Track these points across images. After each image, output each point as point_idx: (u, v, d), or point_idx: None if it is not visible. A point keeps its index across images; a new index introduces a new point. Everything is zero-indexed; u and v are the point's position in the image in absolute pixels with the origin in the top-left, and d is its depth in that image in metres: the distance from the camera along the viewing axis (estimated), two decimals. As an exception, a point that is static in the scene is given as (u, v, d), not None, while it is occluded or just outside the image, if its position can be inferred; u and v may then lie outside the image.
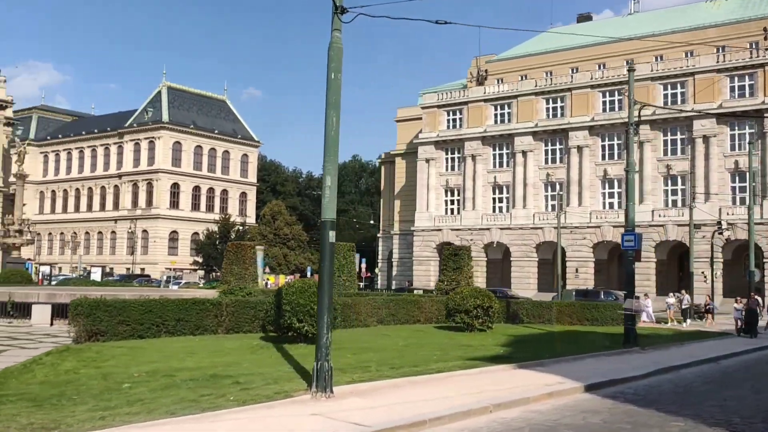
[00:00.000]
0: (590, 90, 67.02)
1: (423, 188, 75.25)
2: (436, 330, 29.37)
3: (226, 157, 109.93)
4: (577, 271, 65.10)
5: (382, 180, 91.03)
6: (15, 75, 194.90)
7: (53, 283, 58.81)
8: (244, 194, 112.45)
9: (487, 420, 12.20)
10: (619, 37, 67.66)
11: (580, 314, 35.02)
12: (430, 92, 79.47)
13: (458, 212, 73.43)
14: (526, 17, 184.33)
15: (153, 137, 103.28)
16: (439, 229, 73.32)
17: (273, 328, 21.97)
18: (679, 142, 62.56)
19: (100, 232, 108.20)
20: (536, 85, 70.29)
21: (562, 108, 68.62)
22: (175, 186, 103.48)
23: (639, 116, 27.33)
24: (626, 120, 27.21)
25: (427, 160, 75.15)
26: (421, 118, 77.56)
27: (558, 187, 66.33)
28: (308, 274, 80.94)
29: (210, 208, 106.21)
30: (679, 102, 62.27)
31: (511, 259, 69.52)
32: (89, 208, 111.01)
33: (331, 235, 13.38)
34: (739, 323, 33.18)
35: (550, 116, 69.23)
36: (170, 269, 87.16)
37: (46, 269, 63.97)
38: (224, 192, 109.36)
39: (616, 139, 64.66)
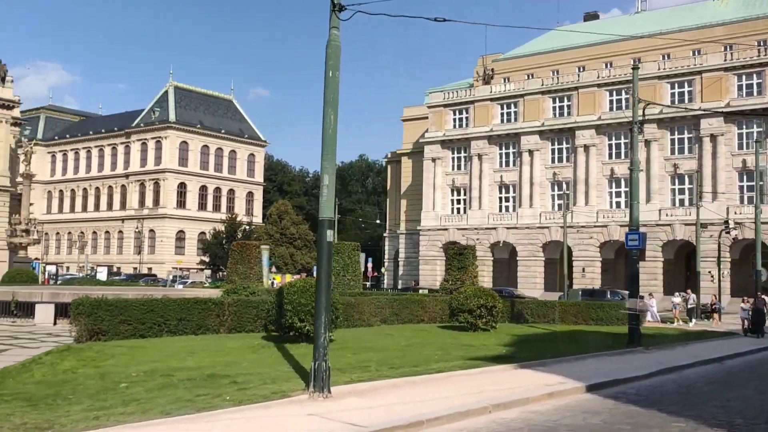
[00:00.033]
0: (597, 89, 66.79)
1: (429, 187, 75.14)
2: (439, 330, 29.25)
3: (232, 157, 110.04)
4: (583, 270, 64.88)
5: (388, 179, 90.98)
6: (24, 75, 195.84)
7: (59, 282, 58.96)
8: (250, 194, 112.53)
9: (486, 420, 12.10)
10: (626, 36, 67.29)
11: (585, 314, 34.83)
12: (436, 91, 79.33)
13: (464, 212, 73.32)
14: (533, 16, 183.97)
15: (160, 137, 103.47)
16: (446, 229, 73.20)
17: (274, 327, 21.90)
18: (686, 141, 62.29)
19: (107, 232, 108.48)
20: (543, 84, 70.09)
21: (568, 107, 68.41)
22: (182, 186, 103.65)
23: (643, 115, 27.10)
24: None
25: (434, 160, 75.04)
26: (427, 118, 77.49)
27: (564, 186, 66.15)
28: (314, 273, 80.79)
29: (217, 207, 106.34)
30: (686, 101, 61.95)
31: (518, 258, 69.33)
32: (96, 207, 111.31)
33: (329, 234, 13.30)
34: (746, 323, 32.95)
35: (557, 115, 69.03)
36: (177, 269, 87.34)
37: (52, 269, 64.16)
38: (231, 191, 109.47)
39: (623, 138, 64.37)
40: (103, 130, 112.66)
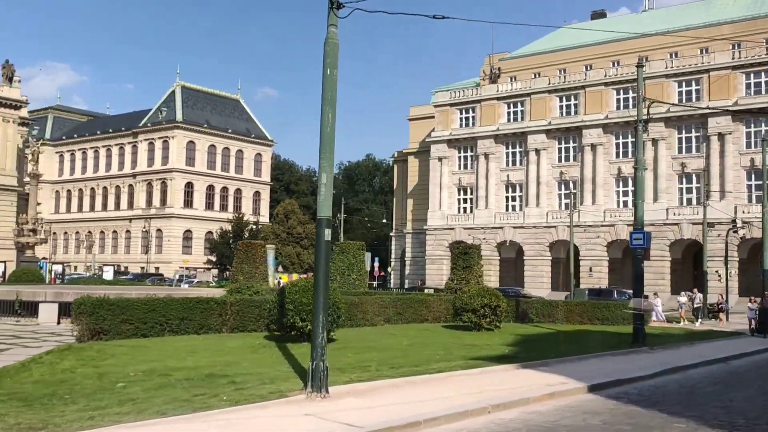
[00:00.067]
0: (604, 87, 66.51)
1: (436, 187, 75.00)
2: (443, 329, 29.13)
3: (239, 157, 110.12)
4: (590, 270, 64.61)
5: (395, 179, 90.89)
6: (33, 76, 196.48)
7: (65, 282, 59.07)
8: (257, 193, 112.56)
9: (485, 421, 12.00)
10: (633, 34, 67.00)
11: (590, 313, 34.65)
12: (442, 90, 79.18)
13: (471, 211, 73.16)
14: (540, 16, 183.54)
15: (167, 137, 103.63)
16: (452, 228, 73.04)
17: (276, 327, 21.83)
18: (693, 139, 61.95)
19: (114, 231, 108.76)
20: (549, 83, 69.84)
21: (575, 106, 68.17)
22: (189, 185, 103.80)
23: (648, 113, 26.94)
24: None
25: (440, 159, 74.89)
26: (433, 117, 77.30)
27: (571, 185, 65.89)
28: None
29: (224, 207, 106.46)
30: (693, 99, 61.60)
31: (524, 258, 69.11)
32: (104, 207, 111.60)
33: (327, 233, 13.21)
34: (753, 323, 32.72)
35: (564, 114, 68.78)
36: (184, 268, 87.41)
37: (58, 268, 64.26)
38: (238, 191, 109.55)
39: (630, 137, 64.01)
40: (110, 130, 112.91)
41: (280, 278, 64.76)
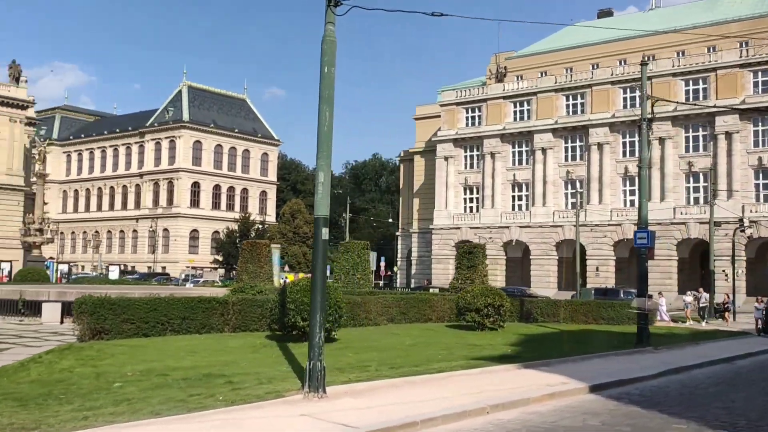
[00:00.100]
0: (611, 86, 66.25)
1: (442, 186, 74.85)
2: (446, 329, 28.99)
3: (246, 156, 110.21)
4: (597, 269, 64.37)
5: (401, 178, 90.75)
6: (42, 76, 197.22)
7: (70, 281, 59.19)
8: (264, 193, 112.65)
9: (483, 422, 11.88)
10: (640, 32, 66.81)
11: (595, 313, 34.45)
12: (448, 90, 79.02)
13: (477, 210, 72.99)
14: (545, 15, 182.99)
15: (174, 136, 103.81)
16: (458, 228, 72.89)
17: (278, 326, 21.75)
18: (701, 138, 61.65)
19: (122, 231, 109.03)
20: (556, 82, 69.62)
21: (582, 105, 67.91)
22: (196, 185, 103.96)
23: (652, 112, 26.74)
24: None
25: (446, 158, 74.73)
26: (439, 116, 77.18)
27: (578, 184, 65.69)
28: (327, 272, 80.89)
29: (230, 206, 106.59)
30: (701, 98, 61.28)
31: (531, 257, 68.92)
32: (111, 207, 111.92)
33: (324, 232, 13.12)
34: (760, 323, 32.49)
35: (570, 113, 68.54)
36: (191, 267, 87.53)
37: (64, 267, 64.44)
38: (244, 191, 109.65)
39: (636, 135, 63.57)
40: (117, 130, 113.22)
41: (286, 277, 64.84)
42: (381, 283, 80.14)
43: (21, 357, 16.49)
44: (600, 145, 65.71)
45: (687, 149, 62.09)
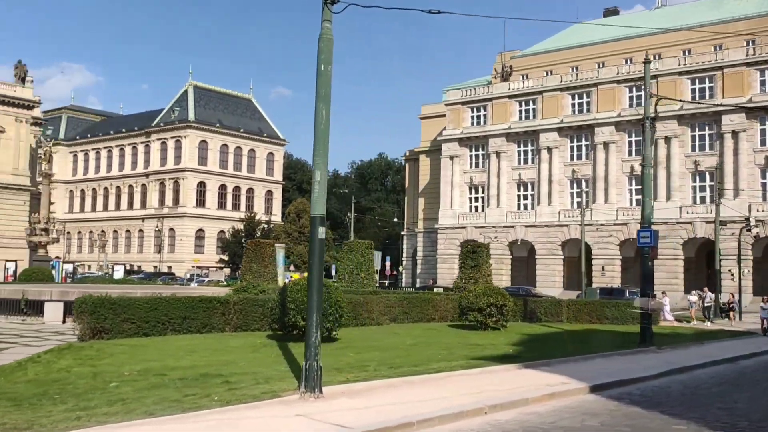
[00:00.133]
0: (616, 85, 65.99)
1: (447, 186, 74.71)
2: (449, 329, 28.85)
3: (251, 156, 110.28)
4: (603, 269, 64.14)
5: (406, 177, 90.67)
6: (49, 76, 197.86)
7: (74, 281, 59.27)
8: (269, 192, 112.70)
9: (480, 422, 11.78)
10: (646, 30, 66.51)
11: (599, 312, 34.29)
12: (454, 89, 78.87)
13: (482, 210, 72.83)
14: (551, 14, 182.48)
15: (179, 136, 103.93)
16: (463, 227, 72.73)
17: (278, 326, 21.68)
18: (707, 137, 61.34)
19: (128, 231, 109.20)
20: (561, 81, 69.36)
21: (587, 104, 67.66)
22: (202, 184, 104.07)
23: (656, 111, 26.58)
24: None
25: (451, 158, 74.58)
26: (445, 115, 77.02)
27: (584, 183, 65.48)
28: (333, 272, 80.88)
29: (236, 206, 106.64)
30: (707, 96, 60.97)
31: (536, 257, 68.71)
32: (117, 206, 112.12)
33: (321, 231, 13.03)
34: (765, 323, 32.25)
35: (576, 112, 68.30)
36: (196, 267, 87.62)
37: (69, 267, 64.50)
38: (250, 190, 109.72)
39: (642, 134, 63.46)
40: (123, 130, 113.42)
41: (291, 277, 64.81)
42: (386, 282, 79.95)
43: (20, 357, 16.44)
44: (606, 144, 65.46)
45: (693, 148, 61.80)
